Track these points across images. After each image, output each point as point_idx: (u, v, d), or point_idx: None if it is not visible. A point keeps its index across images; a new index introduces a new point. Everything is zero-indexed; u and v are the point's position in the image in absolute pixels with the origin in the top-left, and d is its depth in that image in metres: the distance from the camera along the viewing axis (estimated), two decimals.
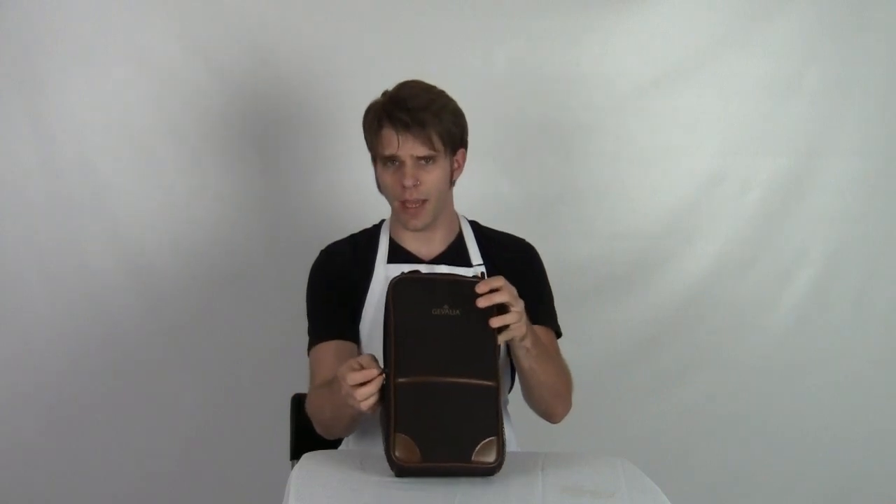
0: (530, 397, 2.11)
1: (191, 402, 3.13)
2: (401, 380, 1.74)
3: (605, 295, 3.26)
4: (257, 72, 3.10)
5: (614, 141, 3.24)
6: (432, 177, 2.13)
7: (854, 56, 3.25)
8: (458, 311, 1.79)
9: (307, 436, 2.20)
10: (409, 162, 2.11)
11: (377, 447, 1.76)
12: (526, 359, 1.97)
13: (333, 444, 2.21)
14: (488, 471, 1.73)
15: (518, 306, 1.84)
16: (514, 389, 2.25)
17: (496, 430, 1.73)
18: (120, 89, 3.06)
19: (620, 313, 3.26)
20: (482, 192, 2.97)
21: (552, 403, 2.12)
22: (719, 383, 3.31)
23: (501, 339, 1.82)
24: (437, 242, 2.24)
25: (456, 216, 2.29)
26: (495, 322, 1.80)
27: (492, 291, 1.80)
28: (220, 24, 3.08)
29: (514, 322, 1.83)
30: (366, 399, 1.75)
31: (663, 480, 1.80)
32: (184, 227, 3.12)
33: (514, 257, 2.25)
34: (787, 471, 3.33)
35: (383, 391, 1.75)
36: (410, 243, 2.23)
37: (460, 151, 2.20)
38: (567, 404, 2.14)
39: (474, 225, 2.31)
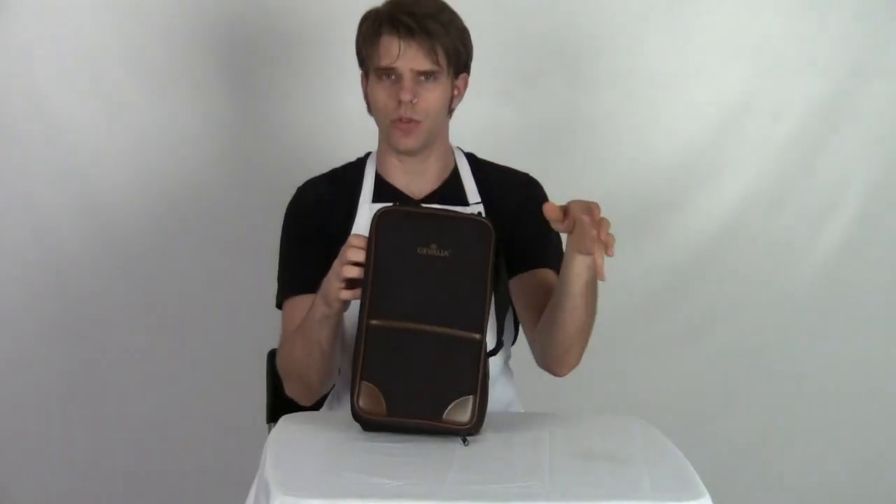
0: (555, 333, 1.95)
1: (156, 359, 3.06)
2: (373, 322, 1.70)
3: (617, 237, 3.06)
4: None
5: (628, 62, 3.13)
6: (432, 95, 2.04)
7: None
8: (446, 253, 1.72)
9: (285, 395, 2.11)
10: (407, 76, 2.03)
11: None
12: (579, 280, 1.84)
13: (314, 405, 2.13)
14: (463, 432, 1.68)
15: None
16: (518, 341, 2.17)
17: (474, 388, 1.68)
18: (73, 11, 2.95)
19: (635, 259, 3.13)
20: (480, 121, 2.81)
21: (574, 344, 1.96)
22: (745, 336, 3.22)
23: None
24: (429, 178, 2.14)
25: (451, 149, 2.20)
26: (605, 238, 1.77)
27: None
28: None
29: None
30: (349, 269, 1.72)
31: (683, 443, 1.72)
32: (148, 165, 3.01)
33: (515, 193, 2.16)
34: (818, 433, 3.24)
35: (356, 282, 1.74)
36: (399, 179, 2.14)
37: (462, 76, 2.13)
38: (582, 352, 2.01)
39: (471, 158, 2.21)
